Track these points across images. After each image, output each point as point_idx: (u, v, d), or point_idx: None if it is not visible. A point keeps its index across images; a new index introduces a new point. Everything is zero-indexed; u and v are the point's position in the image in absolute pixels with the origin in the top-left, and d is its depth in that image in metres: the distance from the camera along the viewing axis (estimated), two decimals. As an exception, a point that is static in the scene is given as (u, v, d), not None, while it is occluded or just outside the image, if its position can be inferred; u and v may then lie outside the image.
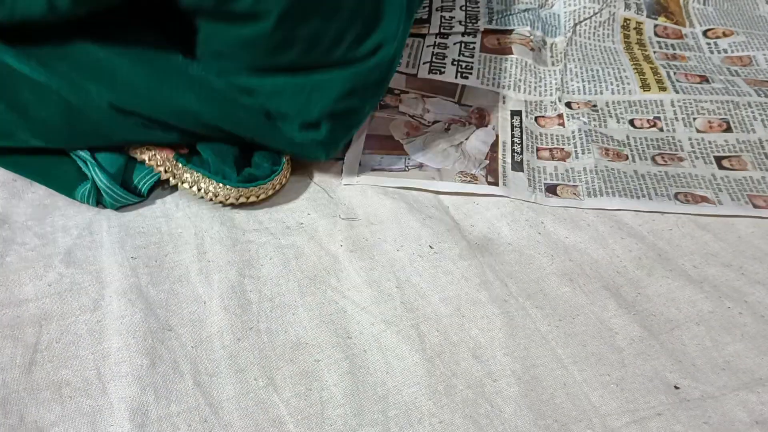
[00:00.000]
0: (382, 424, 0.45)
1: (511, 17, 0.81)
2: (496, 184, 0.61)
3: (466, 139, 0.66)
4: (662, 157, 0.64)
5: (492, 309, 0.51)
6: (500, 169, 0.63)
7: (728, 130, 0.66)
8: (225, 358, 0.48)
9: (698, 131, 0.67)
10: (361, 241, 0.56)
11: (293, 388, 0.47)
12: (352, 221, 0.58)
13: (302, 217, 0.59)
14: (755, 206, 0.59)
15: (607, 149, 0.65)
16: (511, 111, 0.70)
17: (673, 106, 0.69)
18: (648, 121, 0.68)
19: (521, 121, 0.69)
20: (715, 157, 0.64)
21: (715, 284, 0.53)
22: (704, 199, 0.60)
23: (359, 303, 0.52)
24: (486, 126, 0.68)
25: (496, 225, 0.58)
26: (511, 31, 0.80)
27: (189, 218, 0.58)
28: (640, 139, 0.66)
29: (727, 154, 0.64)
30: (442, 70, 0.75)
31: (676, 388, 0.46)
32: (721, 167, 0.63)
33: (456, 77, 0.74)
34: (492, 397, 0.46)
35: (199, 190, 0.57)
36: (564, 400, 0.46)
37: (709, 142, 0.65)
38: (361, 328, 0.50)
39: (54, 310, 0.51)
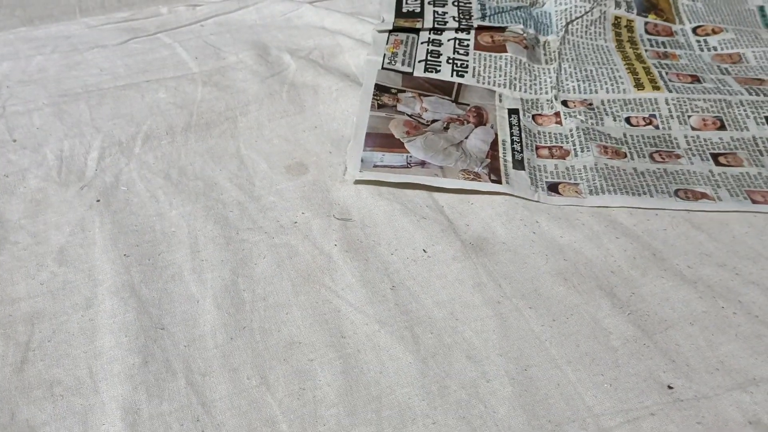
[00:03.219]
0: (375, 424, 0.45)
1: (502, 14, 0.81)
2: (499, 182, 0.61)
3: (466, 137, 0.66)
4: (660, 155, 0.64)
5: (486, 311, 0.51)
6: (502, 168, 0.63)
7: (722, 127, 0.66)
8: (218, 357, 0.48)
9: (693, 129, 0.67)
10: (355, 242, 0.56)
11: (286, 387, 0.46)
12: (347, 221, 0.58)
13: (296, 216, 0.58)
14: (754, 201, 0.59)
15: (605, 147, 0.65)
16: (509, 109, 0.70)
17: (667, 104, 0.69)
18: (644, 118, 0.68)
19: (519, 120, 0.69)
20: (711, 153, 0.64)
21: (710, 284, 0.53)
22: (704, 195, 0.60)
23: (353, 303, 0.51)
24: (484, 124, 0.68)
25: (491, 224, 0.58)
26: (504, 29, 0.79)
27: (183, 217, 0.58)
28: (637, 137, 0.66)
29: (723, 151, 0.64)
30: (438, 68, 0.74)
31: (670, 388, 0.46)
32: (717, 164, 0.63)
33: (452, 76, 0.74)
34: (486, 398, 0.46)
35: None
36: (558, 400, 0.46)
37: (705, 140, 0.65)
38: (354, 328, 0.50)
39: (46, 308, 0.51)
